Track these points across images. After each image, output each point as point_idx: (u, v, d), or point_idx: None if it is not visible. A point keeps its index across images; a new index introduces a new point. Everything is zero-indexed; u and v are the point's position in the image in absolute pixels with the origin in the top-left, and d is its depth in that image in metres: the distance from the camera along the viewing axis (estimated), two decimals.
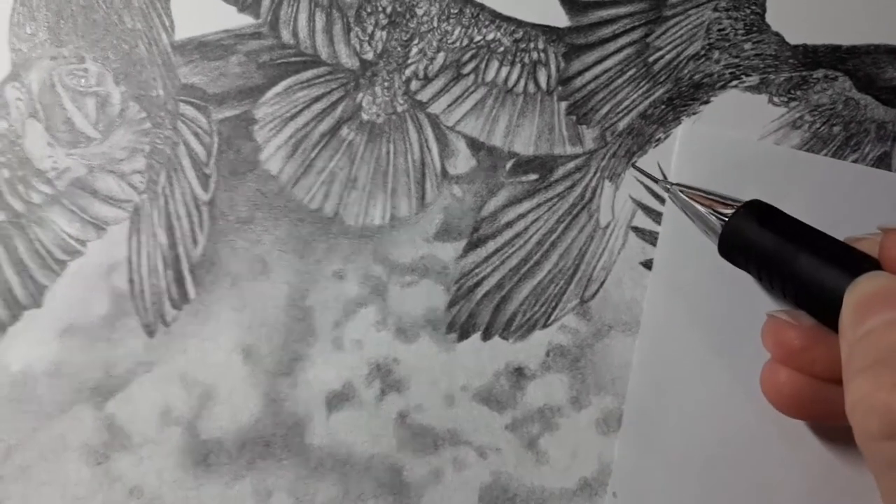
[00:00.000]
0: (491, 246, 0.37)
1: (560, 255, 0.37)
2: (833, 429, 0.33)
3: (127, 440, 0.36)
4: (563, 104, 0.38)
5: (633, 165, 0.37)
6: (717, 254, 0.32)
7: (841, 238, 0.30)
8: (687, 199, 0.33)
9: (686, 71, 0.38)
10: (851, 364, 0.25)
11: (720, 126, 0.38)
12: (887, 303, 0.25)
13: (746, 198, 0.32)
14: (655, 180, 0.36)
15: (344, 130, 0.38)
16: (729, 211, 0.31)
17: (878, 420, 0.23)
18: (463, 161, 0.38)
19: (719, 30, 0.38)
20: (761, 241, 0.30)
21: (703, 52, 0.38)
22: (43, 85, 0.39)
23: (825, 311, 0.29)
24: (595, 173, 0.38)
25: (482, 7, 0.39)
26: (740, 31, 0.38)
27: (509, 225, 0.37)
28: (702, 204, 0.32)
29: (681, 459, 0.34)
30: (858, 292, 0.26)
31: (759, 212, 0.31)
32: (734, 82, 0.38)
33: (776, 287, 0.31)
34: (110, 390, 0.36)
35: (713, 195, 0.32)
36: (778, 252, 0.30)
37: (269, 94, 0.39)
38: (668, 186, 0.33)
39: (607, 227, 0.37)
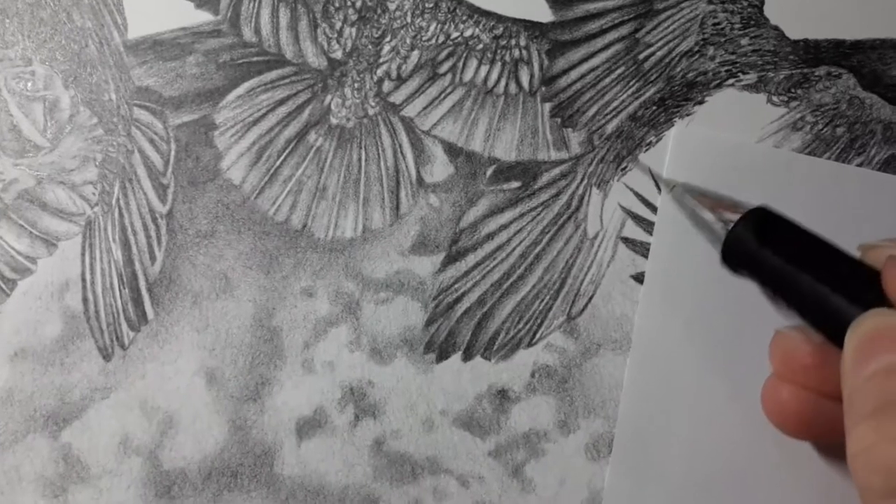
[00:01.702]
0: (471, 259, 0.36)
1: (545, 269, 0.36)
2: (836, 448, 0.32)
3: (85, 472, 0.35)
4: (547, 105, 0.37)
5: (636, 160, 0.36)
6: (713, 266, 0.31)
7: (852, 246, 0.29)
8: (690, 202, 0.31)
9: (679, 69, 0.37)
10: (853, 409, 0.25)
11: (715, 128, 0.37)
12: (889, 345, 0.24)
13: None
14: (657, 178, 0.34)
15: (311, 136, 0.37)
16: (733, 218, 0.30)
17: (882, 477, 0.23)
18: (440, 168, 0.37)
19: (714, 24, 0.37)
20: (765, 255, 0.29)
21: (696, 49, 0.37)
22: None
23: (833, 332, 0.28)
24: (582, 180, 0.36)
25: (459, 1, 0.37)
26: (737, 26, 0.37)
27: (490, 236, 0.36)
28: (706, 208, 0.31)
29: (676, 486, 0.34)
30: (860, 332, 0.25)
31: (763, 221, 0.30)
32: (730, 81, 0.37)
33: (781, 301, 0.30)
34: (65, 418, 0.35)
35: (719, 198, 0.31)
36: (783, 268, 0.29)
37: (230, 96, 0.37)
38: (671, 187, 0.32)
39: (595, 237, 0.36)
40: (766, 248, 0.29)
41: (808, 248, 0.29)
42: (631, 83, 0.37)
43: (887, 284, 0.26)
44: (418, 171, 0.37)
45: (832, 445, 0.33)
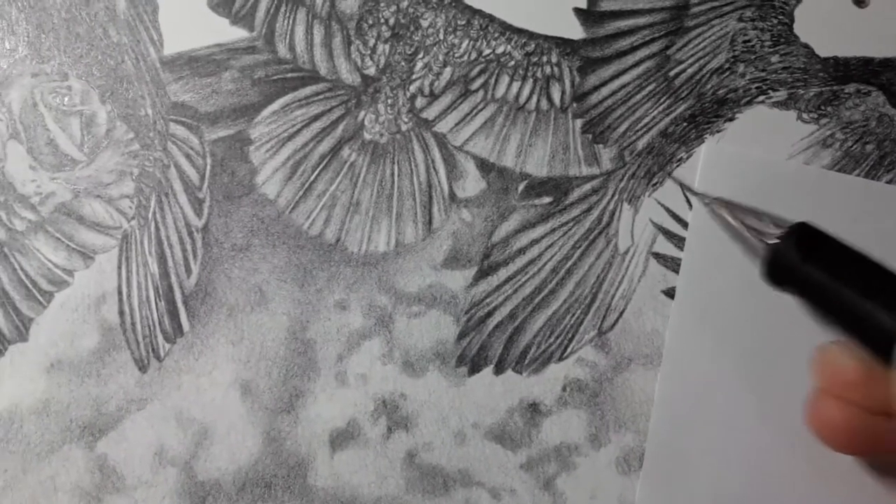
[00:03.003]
0: (503, 274, 0.36)
1: (576, 284, 0.36)
2: (884, 464, 0.33)
3: (120, 482, 0.35)
4: (579, 122, 0.37)
5: (670, 175, 0.36)
6: (743, 282, 0.32)
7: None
8: (728, 216, 0.31)
9: (709, 86, 0.37)
10: None
11: (746, 144, 0.36)
12: None
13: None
14: (694, 193, 0.34)
15: (345, 151, 0.37)
16: (774, 232, 0.30)
17: None
18: (472, 183, 0.37)
19: (745, 41, 0.37)
20: (808, 270, 0.29)
21: (727, 66, 0.37)
22: (24, 104, 0.37)
23: (880, 348, 0.28)
24: (613, 195, 0.36)
25: (491, 18, 0.37)
26: (767, 43, 0.37)
27: (522, 251, 0.36)
28: (745, 224, 0.31)
29: (706, 501, 0.33)
30: None
31: (806, 236, 0.30)
32: (761, 97, 0.37)
33: (825, 316, 0.30)
34: (101, 429, 0.35)
35: (758, 213, 0.31)
36: (828, 283, 0.29)
37: (265, 112, 0.37)
38: (708, 201, 0.32)
39: (626, 252, 0.36)
40: (809, 264, 0.29)
41: (852, 264, 0.29)
42: (662, 100, 0.37)
43: None
44: (450, 187, 0.37)
45: (879, 461, 0.33)
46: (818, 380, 0.31)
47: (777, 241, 0.30)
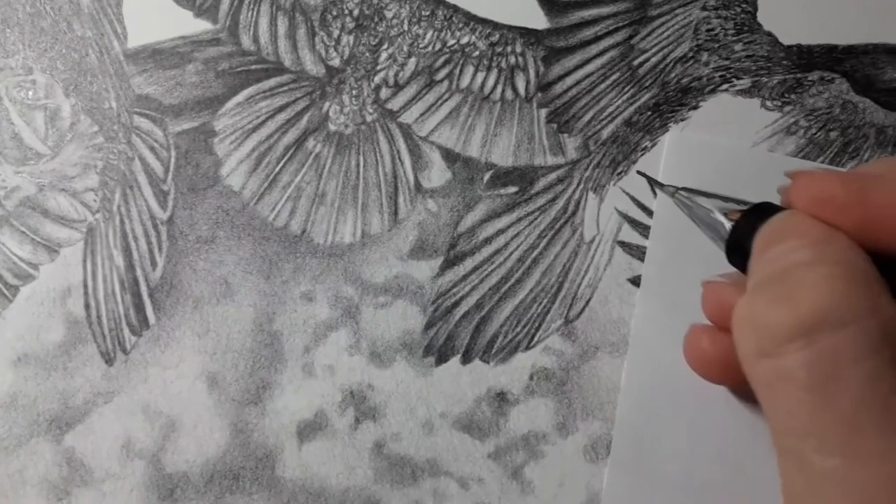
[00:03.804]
0: (469, 263, 0.36)
1: (543, 273, 0.36)
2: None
3: (88, 475, 0.35)
4: (544, 111, 0.37)
5: (638, 171, 0.36)
6: (709, 268, 0.31)
7: None
8: (693, 202, 0.31)
9: (673, 74, 0.37)
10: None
11: (710, 133, 0.37)
12: (785, 233, 0.25)
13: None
14: (659, 185, 0.34)
15: (310, 142, 0.37)
16: (736, 214, 0.30)
17: (754, 339, 0.23)
18: (438, 173, 0.37)
19: (708, 30, 0.37)
20: None
21: (690, 54, 0.37)
22: None
23: None
24: (578, 185, 0.36)
25: (455, 9, 0.37)
26: (730, 31, 0.37)
27: (488, 241, 0.36)
28: (708, 209, 0.31)
29: (674, 487, 0.33)
30: (765, 228, 0.26)
31: (767, 215, 0.29)
32: (724, 86, 0.37)
33: None
34: (69, 422, 0.35)
35: (723, 198, 0.31)
36: None
37: (230, 104, 0.37)
38: (673, 191, 0.32)
39: (592, 241, 0.36)
40: None
41: None
42: (626, 89, 0.37)
43: (789, 195, 0.27)
44: (416, 177, 0.37)
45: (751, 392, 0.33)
46: (705, 312, 0.31)
47: (736, 221, 0.30)
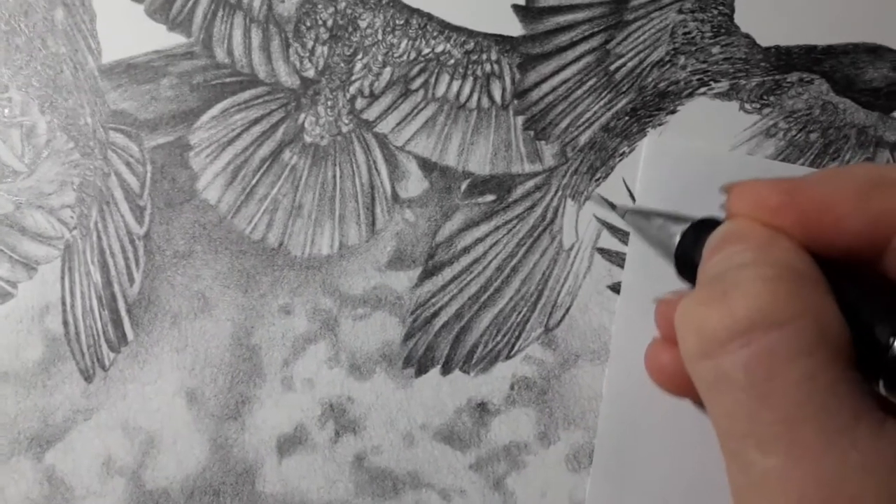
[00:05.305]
0: (448, 273, 0.36)
1: (522, 281, 0.36)
2: None
3: (69, 493, 0.35)
4: (520, 119, 0.37)
5: (591, 195, 0.36)
6: None
7: None
8: (642, 224, 0.31)
9: (650, 79, 0.37)
10: None
11: (688, 137, 0.36)
12: (729, 239, 0.25)
13: (718, 213, 0.30)
14: (612, 206, 0.34)
15: (286, 154, 0.37)
16: (680, 230, 0.30)
17: (694, 339, 0.23)
18: (415, 183, 0.36)
19: (685, 33, 0.37)
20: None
21: (667, 58, 0.37)
22: None
23: None
24: (556, 192, 0.36)
25: (430, 17, 0.37)
26: (707, 34, 0.37)
27: (466, 250, 0.36)
28: (658, 227, 0.30)
29: (657, 495, 0.33)
30: (711, 238, 0.26)
31: (708, 230, 0.29)
32: (702, 89, 0.37)
33: None
34: (49, 440, 0.35)
35: (673, 216, 0.30)
36: None
37: (205, 117, 0.37)
38: (623, 213, 0.31)
39: (571, 248, 0.36)
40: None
41: None
42: (603, 94, 0.36)
43: (729, 207, 0.27)
44: (393, 187, 0.36)
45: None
46: (658, 329, 0.31)
47: (682, 235, 0.29)
